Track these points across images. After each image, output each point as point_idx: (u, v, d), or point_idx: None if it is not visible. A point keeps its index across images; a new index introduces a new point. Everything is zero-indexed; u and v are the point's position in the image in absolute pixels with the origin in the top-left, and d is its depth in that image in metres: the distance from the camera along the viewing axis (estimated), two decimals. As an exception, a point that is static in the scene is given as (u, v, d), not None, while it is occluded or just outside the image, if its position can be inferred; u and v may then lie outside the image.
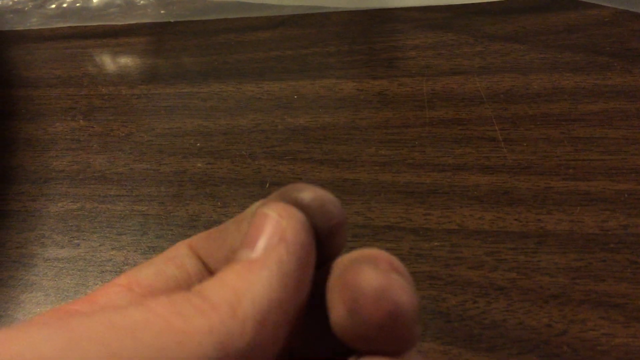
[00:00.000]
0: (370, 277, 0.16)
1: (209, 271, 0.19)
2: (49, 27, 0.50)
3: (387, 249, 0.33)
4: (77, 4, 0.49)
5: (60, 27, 0.49)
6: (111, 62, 0.47)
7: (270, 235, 0.16)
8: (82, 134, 0.42)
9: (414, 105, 0.40)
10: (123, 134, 0.42)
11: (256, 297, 0.15)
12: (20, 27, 0.50)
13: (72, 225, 0.38)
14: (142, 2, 0.49)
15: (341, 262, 0.17)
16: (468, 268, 0.32)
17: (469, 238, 0.33)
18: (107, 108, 0.44)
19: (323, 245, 0.18)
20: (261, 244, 0.16)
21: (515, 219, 0.34)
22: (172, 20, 0.48)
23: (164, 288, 0.18)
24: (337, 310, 0.16)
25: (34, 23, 0.50)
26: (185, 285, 0.18)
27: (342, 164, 0.38)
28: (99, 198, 0.39)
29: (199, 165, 0.39)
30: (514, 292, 0.31)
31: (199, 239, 0.20)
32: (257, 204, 0.19)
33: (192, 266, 0.19)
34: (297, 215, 0.17)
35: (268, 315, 0.15)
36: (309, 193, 0.18)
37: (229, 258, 0.18)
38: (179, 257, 0.19)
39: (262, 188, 0.37)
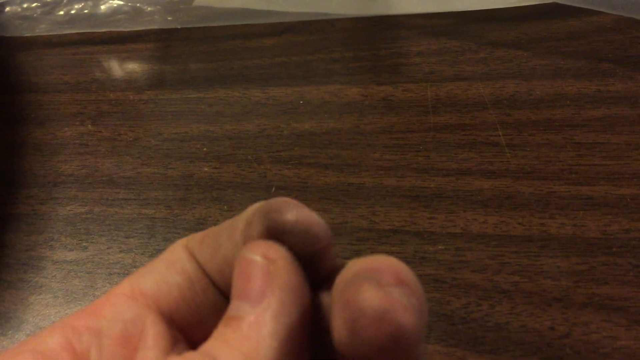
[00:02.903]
0: (370, 296, 0.15)
1: (207, 276, 0.18)
2: (57, 33, 0.50)
3: (392, 253, 0.34)
4: (85, 11, 0.50)
5: (68, 34, 0.50)
6: (119, 68, 0.48)
7: (261, 284, 0.16)
8: (90, 139, 0.43)
9: (418, 111, 0.40)
10: (130, 139, 0.42)
11: (267, 357, 0.15)
12: (29, 34, 0.51)
13: (80, 228, 0.39)
14: (149, 8, 0.49)
15: (343, 277, 0.16)
16: (472, 271, 0.33)
17: (472, 242, 0.34)
18: (114, 113, 0.44)
19: (312, 267, 0.17)
20: (254, 295, 0.16)
21: (519, 223, 0.34)
22: (178, 27, 0.49)
23: (167, 298, 0.18)
24: (338, 330, 0.15)
25: (42, 29, 0.50)
26: (189, 293, 0.18)
27: (347, 168, 0.38)
28: (107, 201, 0.39)
29: (206, 169, 0.40)
30: (517, 295, 0.32)
31: (194, 243, 0.19)
32: (250, 209, 0.18)
33: (193, 272, 0.18)
34: (283, 254, 0.16)
35: None
36: (291, 215, 0.17)
37: (224, 270, 0.18)
38: (179, 261, 0.19)
39: (268, 192, 0.38)
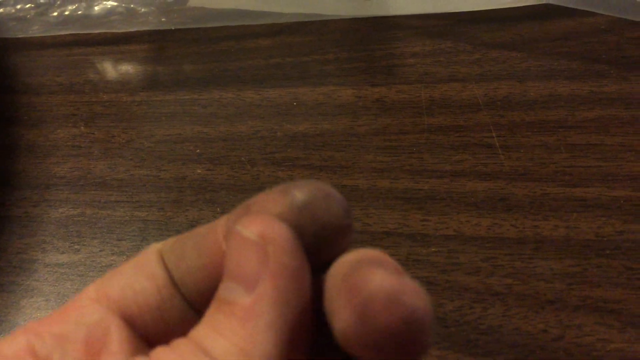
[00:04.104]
0: (382, 279, 0.14)
1: (174, 283, 0.18)
2: (51, 34, 0.50)
3: (385, 255, 0.34)
4: (79, 12, 0.50)
5: (62, 35, 0.50)
6: (112, 69, 0.47)
7: (255, 268, 0.15)
8: (83, 141, 0.43)
9: (412, 112, 0.40)
10: (123, 141, 0.42)
11: (265, 351, 0.14)
12: (22, 35, 0.50)
13: (72, 231, 0.38)
14: (143, 9, 0.49)
15: (343, 264, 0.16)
16: (465, 274, 0.33)
17: (466, 244, 0.34)
18: (108, 115, 0.44)
19: (326, 248, 0.16)
20: (248, 278, 0.15)
21: (512, 225, 0.34)
22: (172, 28, 0.49)
23: (133, 303, 0.17)
24: (343, 317, 0.15)
25: (36, 31, 0.50)
26: (155, 300, 0.17)
27: (341, 170, 0.38)
28: (100, 204, 0.39)
29: (199, 171, 0.40)
30: (511, 298, 0.31)
31: (165, 247, 0.18)
32: (224, 217, 0.17)
33: (161, 279, 0.17)
34: (283, 233, 0.15)
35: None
36: (305, 190, 0.16)
37: (186, 279, 0.17)
38: (148, 266, 0.18)
39: (261, 194, 0.38)
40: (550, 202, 0.34)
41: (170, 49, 0.48)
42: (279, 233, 0.15)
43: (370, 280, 0.14)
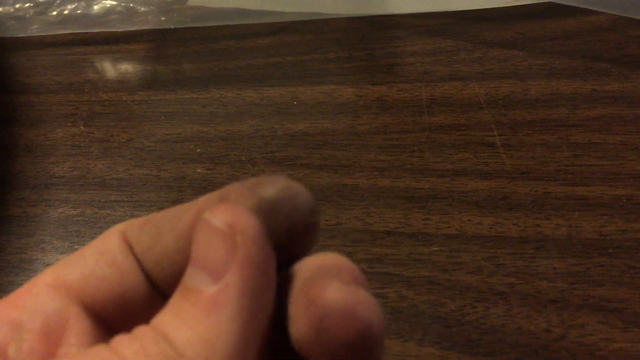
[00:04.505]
0: (338, 294, 0.14)
1: (143, 270, 0.17)
2: (50, 34, 0.50)
3: (386, 254, 0.34)
4: (78, 11, 0.50)
5: (61, 34, 0.50)
6: (112, 69, 0.47)
7: (223, 257, 0.14)
8: (82, 140, 0.43)
9: (413, 111, 0.40)
10: (123, 140, 0.42)
11: (228, 343, 0.14)
12: (21, 34, 0.50)
13: (72, 231, 0.38)
14: (142, 9, 0.49)
15: (303, 271, 0.16)
16: (467, 273, 0.32)
17: (467, 243, 0.33)
18: (107, 114, 0.44)
19: (292, 245, 0.16)
20: (215, 267, 0.14)
21: (514, 224, 0.34)
22: (172, 27, 0.49)
23: (94, 291, 0.16)
24: (300, 326, 0.15)
25: (35, 30, 0.50)
26: (118, 287, 0.17)
27: (341, 169, 0.38)
28: (99, 204, 0.39)
29: (199, 170, 0.39)
30: (513, 297, 0.31)
31: (132, 229, 0.17)
32: (206, 196, 0.17)
33: (125, 264, 0.17)
34: (251, 223, 0.15)
35: (243, 354, 0.14)
36: (273, 187, 0.16)
37: (162, 263, 0.17)
38: (110, 251, 0.17)
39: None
40: (552, 201, 0.34)
41: (170, 48, 0.47)
42: (249, 224, 0.15)
43: (327, 295, 0.15)
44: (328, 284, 0.15)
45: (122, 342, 0.14)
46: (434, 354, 0.30)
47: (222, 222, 0.15)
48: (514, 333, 0.30)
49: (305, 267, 0.16)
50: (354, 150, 0.38)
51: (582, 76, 0.39)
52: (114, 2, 0.50)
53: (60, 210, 0.39)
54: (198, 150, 0.40)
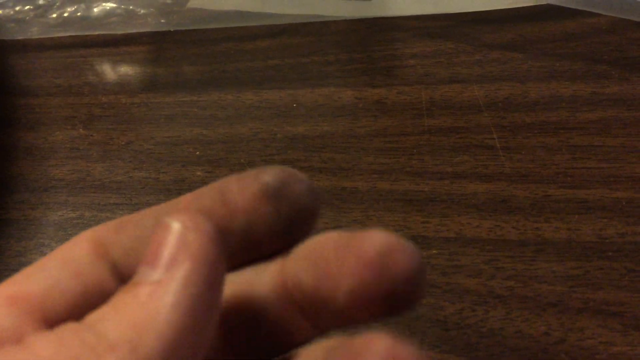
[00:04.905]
0: (383, 235, 0.15)
1: (120, 275, 0.16)
2: (49, 36, 0.50)
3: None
4: (78, 14, 0.50)
5: (61, 37, 0.50)
6: (111, 71, 0.47)
7: (173, 251, 0.14)
8: (81, 143, 0.43)
9: (413, 114, 0.40)
10: (123, 143, 0.42)
11: (161, 330, 0.13)
12: (21, 37, 0.50)
13: (71, 234, 0.38)
14: (142, 11, 0.49)
15: (328, 238, 0.16)
16: (466, 276, 0.32)
17: (467, 246, 0.33)
18: (107, 117, 0.44)
19: (296, 229, 0.16)
20: (163, 261, 0.14)
21: (513, 227, 0.34)
22: (172, 29, 0.49)
23: (56, 305, 0.15)
24: (354, 274, 0.15)
25: (34, 32, 0.50)
26: (83, 300, 0.15)
27: (341, 172, 0.38)
28: (98, 206, 0.39)
29: (198, 173, 0.39)
30: (512, 301, 0.31)
31: (106, 233, 0.16)
32: (185, 197, 0.17)
33: (93, 274, 0.16)
34: (206, 226, 0.15)
35: (176, 349, 0.13)
36: (274, 174, 0.16)
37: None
38: (75, 260, 0.16)
39: (261, 196, 0.37)
40: (551, 204, 0.34)
41: (170, 51, 0.47)
42: (203, 224, 0.15)
43: (373, 237, 0.15)
44: (369, 233, 0.15)
45: (38, 339, 0.13)
46: (433, 357, 0.30)
47: (178, 223, 0.14)
48: (513, 336, 0.30)
49: (329, 238, 0.16)
50: (353, 153, 0.38)
51: (582, 78, 0.39)
52: (114, 5, 0.50)
53: (59, 213, 0.39)
54: (197, 153, 0.40)
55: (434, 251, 0.33)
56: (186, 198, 0.17)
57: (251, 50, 0.46)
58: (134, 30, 0.49)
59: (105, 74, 0.47)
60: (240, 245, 0.16)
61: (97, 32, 0.49)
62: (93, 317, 0.14)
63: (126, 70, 0.47)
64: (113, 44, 0.49)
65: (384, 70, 0.43)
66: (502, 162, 0.36)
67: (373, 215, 0.35)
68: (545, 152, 0.36)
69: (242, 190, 0.16)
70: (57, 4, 0.50)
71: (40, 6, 0.50)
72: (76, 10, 0.50)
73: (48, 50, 0.49)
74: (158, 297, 0.13)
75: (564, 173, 0.35)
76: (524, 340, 0.30)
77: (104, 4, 0.50)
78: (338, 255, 0.15)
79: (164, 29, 0.49)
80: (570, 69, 0.40)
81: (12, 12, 0.51)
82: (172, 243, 0.14)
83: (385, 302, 0.15)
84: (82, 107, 0.45)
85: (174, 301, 0.13)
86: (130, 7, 0.49)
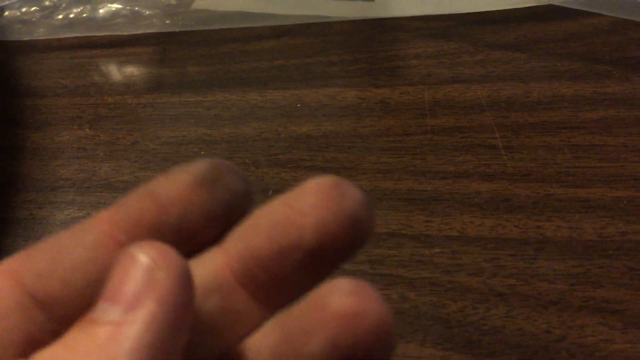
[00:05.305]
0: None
1: (39, 301, 0.15)
2: (56, 37, 0.50)
3: (388, 256, 0.34)
4: (84, 15, 0.50)
5: (67, 38, 0.50)
6: (117, 72, 0.48)
7: (137, 288, 0.13)
8: (88, 143, 0.43)
9: (416, 114, 0.40)
10: (129, 143, 0.42)
11: None
12: (27, 38, 0.51)
13: (78, 233, 0.39)
14: (147, 12, 0.50)
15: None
16: (468, 274, 0.33)
17: (469, 245, 0.34)
18: (113, 117, 0.44)
19: (232, 213, 0.17)
20: (125, 299, 0.13)
21: (515, 226, 0.34)
22: (177, 30, 0.49)
23: None
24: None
25: (41, 33, 0.50)
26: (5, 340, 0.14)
27: (344, 171, 0.38)
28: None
29: (203, 173, 0.40)
30: (513, 299, 0.32)
31: (19, 260, 0.15)
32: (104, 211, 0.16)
33: (14, 316, 0.14)
34: (177, 262, 0.13)
35: None
36: (205, 165, 0.17)
37: (72, 278, 0.15)
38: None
39: (265, 196, 0.38)
40: (553, 203, 0.34)
41: (175, 52, 0.48)
42: (176, 262, 0.13)
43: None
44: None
45: None
46: (435, 354, 0.31)
47: (147, 256, 0.13)
48: (515, 334, 0.31)
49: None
50: (357, 152, 0.39)
51: (583, 78, 0.40)
52: (120, 6, 0.50)
53: (66, 212, 0.40)
54: (202, 152, 0.41)
55: (437, 250, 0.34)
56: (109, 210, 0.17)
57: (256, 51, 0.46)
58: (140, 31, 0.49)
59: (111, 75, 0.47)
60: (174, 238, 0.16)
61: (102, 33, 0.50)
62: (43, 357, 0.13)
63: (132, 70, 0.47)
64: (119, 45, 0.49)
65: (387, 70, 0.43)
66: (504, 161, 0.37)
67: (376, 214, 0.36)
68: (547, 152, 0.37)
69: (172, 183, 0.16)
70: (63, 5, 0.51)
71: (46, 7, 0.51)
72: (82, 12, 0.50)
73: (54, 51, 0.50)
74: (116, 341, 0.12)
75: (566, 172, 0.36)
76: (525, 338, 0.30)
77: (109, 5, 0.50)
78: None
79: (169, 29, 0.49)
80: (572, 68, 0.40)
81: (18, 14, 0.51)
82: (137, 279, 0.13)
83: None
84: (88, 108, 0.45)
85: (134, 347, 0.12)
86: (136, 8, 0.50)
